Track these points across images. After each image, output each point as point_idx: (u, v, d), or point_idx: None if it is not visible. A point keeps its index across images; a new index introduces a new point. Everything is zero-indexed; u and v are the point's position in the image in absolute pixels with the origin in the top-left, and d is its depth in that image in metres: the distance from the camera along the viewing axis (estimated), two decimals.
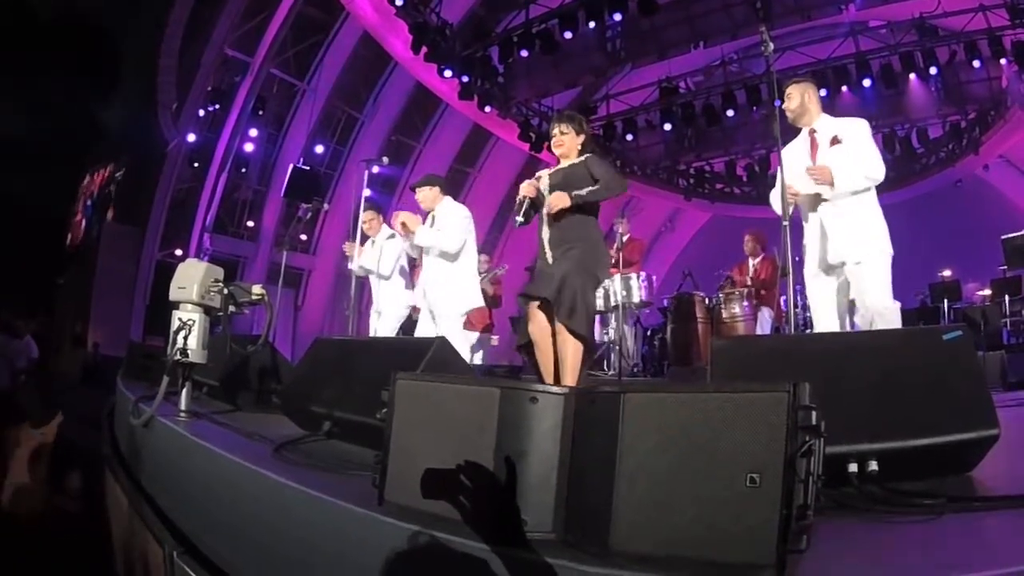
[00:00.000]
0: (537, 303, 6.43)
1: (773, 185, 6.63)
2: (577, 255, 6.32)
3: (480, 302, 8.27)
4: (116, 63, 23.21)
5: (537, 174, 6.87)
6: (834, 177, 6.17)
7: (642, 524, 2.05)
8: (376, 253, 9.69)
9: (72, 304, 25.67)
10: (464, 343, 8.54)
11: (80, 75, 22.85)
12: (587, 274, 6.33)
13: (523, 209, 6.59)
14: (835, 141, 6.38)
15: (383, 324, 9.60)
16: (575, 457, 2.34)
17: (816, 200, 6.37)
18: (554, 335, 6.40)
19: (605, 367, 11.93)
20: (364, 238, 9.80)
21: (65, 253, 28.35)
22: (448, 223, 8.00)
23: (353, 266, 9.75)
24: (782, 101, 6.53)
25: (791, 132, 6.70)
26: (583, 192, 6.33)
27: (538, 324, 6.45)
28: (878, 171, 6.21)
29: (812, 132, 6.56)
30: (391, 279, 9.64)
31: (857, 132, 6.40)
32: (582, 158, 6.66)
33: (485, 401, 2.47)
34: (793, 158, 6.63)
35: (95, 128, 24.48)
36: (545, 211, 6.48)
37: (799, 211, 6.61)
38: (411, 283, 9.69)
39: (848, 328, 6.36)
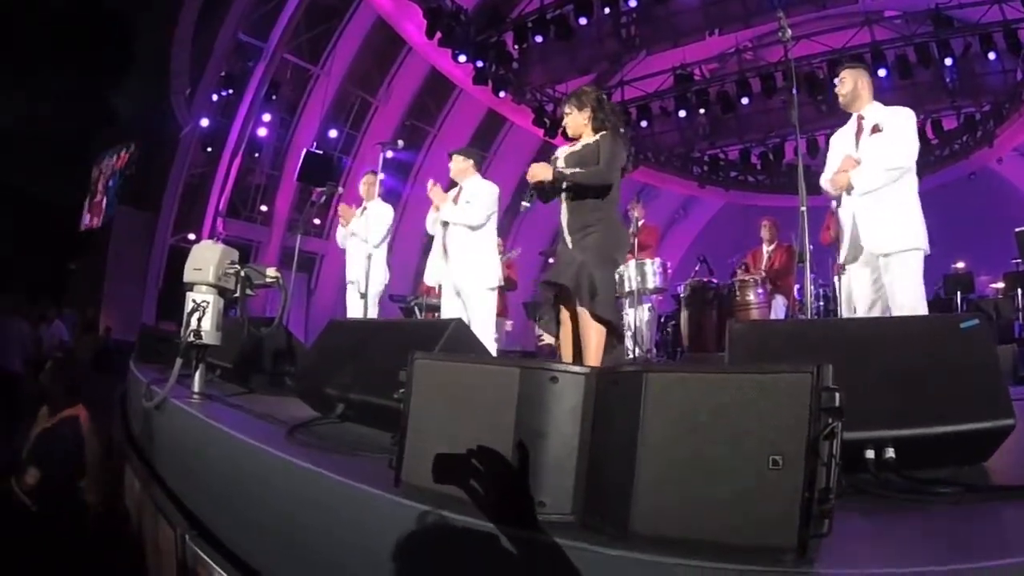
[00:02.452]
0: (558, 290, 6.42)
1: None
2: (595, 240, 6.27)
3: (500, 280, 8.19)
4: (129, 49, 23.28)
5: (554, 155, 6.81)
6: (852, 180, 6.17)
7: (663, 506, 2.05)
8: (365, 220, 9.64)
9: (85, 289, 25.76)
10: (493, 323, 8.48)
11: (93, 61, 22.93)
12: (606, 259, 6.31)
13: (529, 193, 6.56)
14: (876, 129, 6.29)
15: (367, 298, 9.43)
16: (595, 438, 2.33)
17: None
18: (574, 320, 6.40)
19: None
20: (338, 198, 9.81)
21: (77, 238, 28.46)
22: (476, 197, 7.95)
23: (340, 236, 9.76)
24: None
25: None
26: (567, 171, 6.32)
27: (563, 307, 6.47)
28: (901, 158, 6.09)
29: (860, 118, 6.48)
30: (378, 249, 9.58)
31: (896, 119, 6.28)
32: (596, 137, 6.53)
33: (505, 381, 2.47)
34: (840, 143, 6.61)
35: (108, 114, 24.57)
36: (529, 178, 6.43)
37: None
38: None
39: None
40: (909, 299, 5.99)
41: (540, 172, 6.33)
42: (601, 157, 6.35)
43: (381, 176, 9.61)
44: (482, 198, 7.96)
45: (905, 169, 6.16)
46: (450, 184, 8.35)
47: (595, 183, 6.37)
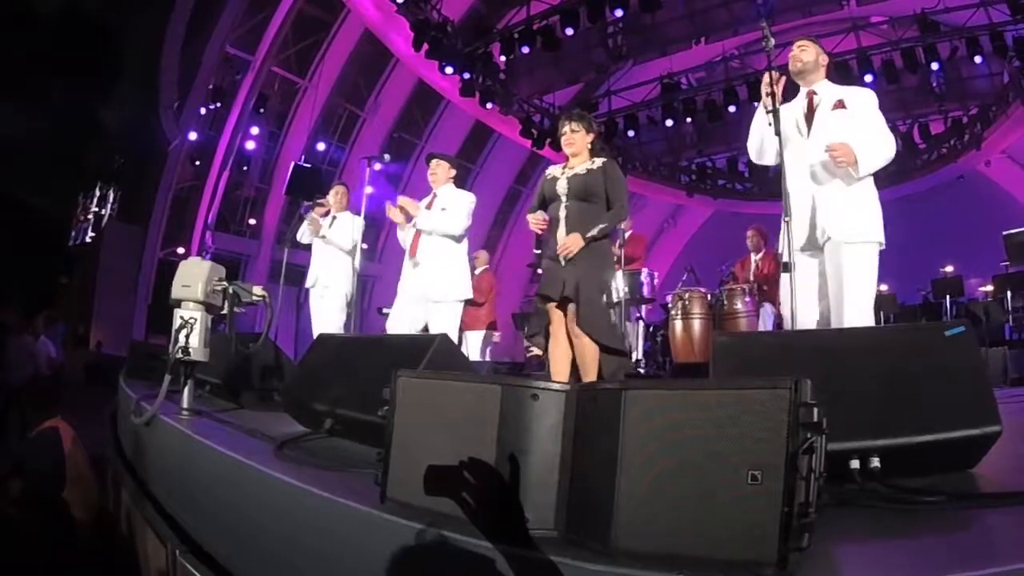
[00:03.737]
0: (553, 303, 6.45)
1: (776, 180, 6.30)
2: (589, 261, 6.34)
3: (470, 293, 8.11)
4: (118, 61, 23.24)
5: (548, 172, 6.83)
6: (859, 159, 5.59)
7: (644, 521, 2.06)
8: (339, 227, 9.66)
9: (75, 303, 25.71)
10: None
11: (82, 73, 22.88)
12: (599, 280, 6.42)
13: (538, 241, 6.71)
14: (839, 105, 5.93)
15: (329, 302, 9.51)
16: (577, 454, 2.35)
17: (807, 169, 5.89)
18: (570, 336, 6.44)
19: None
20: (327, 212, 9.75)
21: (67, 252, 28.43)
22: (454, 207, 7.88)
23: (305, 236, 9.74)
24: (785, 98, 6.09)
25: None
26: (595, 232, 6.33)
27: (556, 321, 6.48)
28: (893, 148, 5.79)
29: (811, 93, 6.13)
30: (345, 255, 9.60)
31: (867, 102, 5.94)
32: (598, 163, 6.59)
33: (487, 398, 2.49)
34: (785, 119, 6.03)
35: (97, 127, 24.51)
36: (561, 254, 6.36)
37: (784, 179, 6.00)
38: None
39: (828, 318, 5.85)
40: (863, 292, 5.68)
41: (574, 245, 6.32)
42: (618, 194, 6.54)
43: (370, 190, 9.56)
44: (462, 207, 7.91)
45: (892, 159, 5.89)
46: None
47: (619, 223, 6.73)
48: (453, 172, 8.21)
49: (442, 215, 7.77)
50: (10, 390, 12.10)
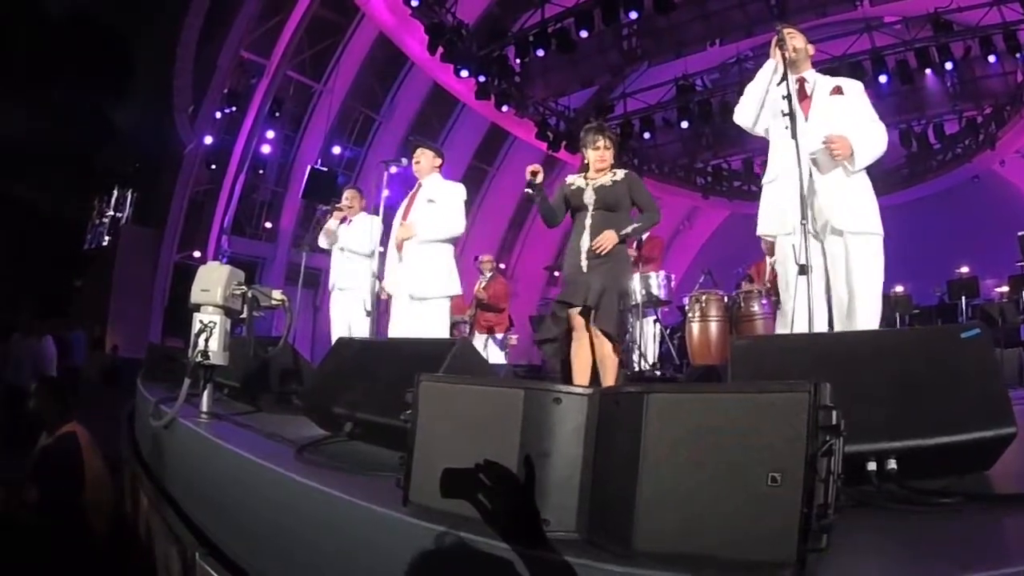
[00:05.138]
0: (576, 309, 6.56)
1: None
2: (611, 269, 6.49)
3: (458, 289, 7.96)
4: (130, 66, 23.27)
5: (570, 181, 6.89)
6: (856, 151, 5.48)
7: (665, 524, 2.07)
8: (355, 231, 9.51)
9: (91, 306, 25.76)
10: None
11: (95, 78, 22.90)
12: (620, 288, 6.58)
13: (537, 186, 6.66)
14: (837, 91, 5.87)
15: (348, 302, 9.30)
16: (598, 457, 2.37)
17: (804, 152, 5.47)
18: (591, 339, 6.58)
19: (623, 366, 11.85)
20: (344, 218, 9.66)
21: (82, 256, 28.49)
22: (450, 203, 7.80)
23: (323, 242, 9.70)
24: (785, 81, 5.91)
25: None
26: (629, 230, 6.58)
27: (579, 327, 6.60)
28: (886, 139, 5.68)
29: (801, 80, 5.99)
30: (363, 258, 9.31)
31: (860, 91, 5.91)
32: (621, 175, 6.79)
33: (509, 402, 2.50)
34: (772, 99, 5.93)
35: (112, 131, 24.55)
36: (596, 249, 6.49)
37: (776, 167, 6.03)
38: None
39: (825, 316, 5.33)
40: (875, 284, 5.53)
41: (609, 239, 6.49)
42: (648, 202, 6.89)
43: (386, 193, 9.53)
44: (458, 204, 7.83)
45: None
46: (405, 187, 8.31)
47: (654, 226, 7.09)
48: (439, 161, 8.12)
49: (443, 222, 7.71)
50: (19, 392, 12.14)
